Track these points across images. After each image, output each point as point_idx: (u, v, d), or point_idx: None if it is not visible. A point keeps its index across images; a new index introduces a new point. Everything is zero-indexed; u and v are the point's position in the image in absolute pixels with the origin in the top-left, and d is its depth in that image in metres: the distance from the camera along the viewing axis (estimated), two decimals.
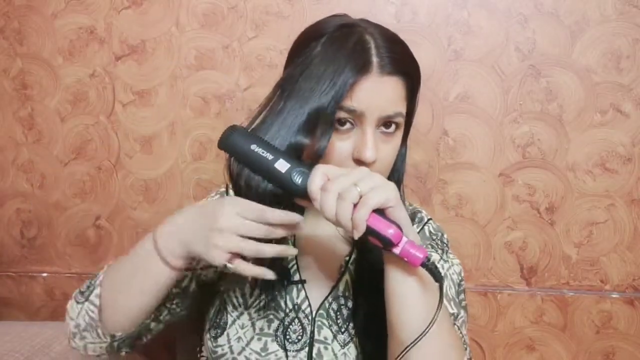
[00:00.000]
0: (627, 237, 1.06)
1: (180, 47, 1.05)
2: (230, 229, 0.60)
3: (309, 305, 0.75)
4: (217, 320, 0.75)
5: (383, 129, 0.69)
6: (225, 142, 0.60)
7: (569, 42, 1.01)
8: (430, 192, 1.07)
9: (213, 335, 0.74)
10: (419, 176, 1.07)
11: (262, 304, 0.75)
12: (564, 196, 1.06)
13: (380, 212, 0.56)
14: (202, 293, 0.80)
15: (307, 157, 0.65)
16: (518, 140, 1.05)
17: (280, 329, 0.73)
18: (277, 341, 0.73)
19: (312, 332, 0.73)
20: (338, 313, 0.74)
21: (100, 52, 1.07)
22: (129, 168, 1.10)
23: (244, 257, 0.63)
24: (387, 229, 0.55)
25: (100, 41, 1.06)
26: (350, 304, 0.74)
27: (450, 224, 1.06)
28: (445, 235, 0.82)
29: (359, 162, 0.67)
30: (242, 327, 0.73)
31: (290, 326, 0.74)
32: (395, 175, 0.78)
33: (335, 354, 0.72)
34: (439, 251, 0.78)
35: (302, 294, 0.75)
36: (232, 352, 0.72)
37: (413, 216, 0.82)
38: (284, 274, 0.75)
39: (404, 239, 0.56)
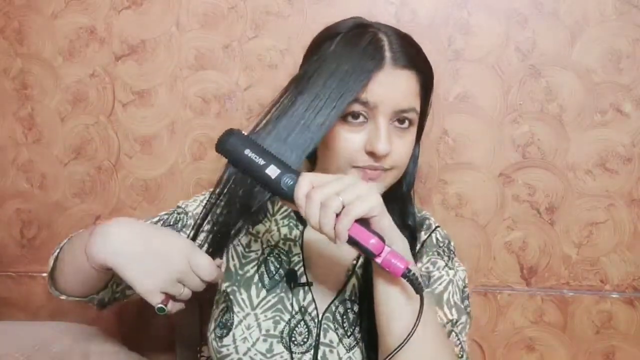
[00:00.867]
0: (627, 237, 1.06)
1: (180, 47, 1.05)
2: (180, 281, 0.61)
3: (315, 308, 0.75)
4: (223, 320, 0.75)
5: (397, 124, 0.69)
6: (221, 146, 0.61)
7: (569, 42, 1.01)
8: (430, 192, 1.07)
9: (218, 335, 0.74)
10: (418, 176, 1.07)
11: (268, 305, 0.75)
12: (564, 196, 1.06)
13: (364, 221, 0.57)
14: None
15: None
16: (518, 140, 1.05)
17: (286, 331, 0.73)
18: (283, 343, 0.73)
19: (318, 335, 0.73)
20: (344, 317, 0.74)
21: (100, 52, 1.07)
22: (129, 168, 1.10)
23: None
24: (368, 239, 0.56)
25: (100, 41, 1.06)
26: (356, 308, 0.74)
27: (450, 224, 1.06)
28: (452, 243, 0.82)
29: (372, 154, 0.67)
30: (248, 328, 0.73)
31: (296, 328, 0.74)
32: (408, 178, 0.79)
33: (340, 358, 0.72)
34: (445, 258, 0.78)
35: (309, 296, 0.75)
36: (237, 353, 0.72)
37: (422, 222, 0.82)
38: (291, 276, 0.76)
39: (386, 249, 0.57)
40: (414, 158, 0.79)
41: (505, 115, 1.04)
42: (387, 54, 0.68)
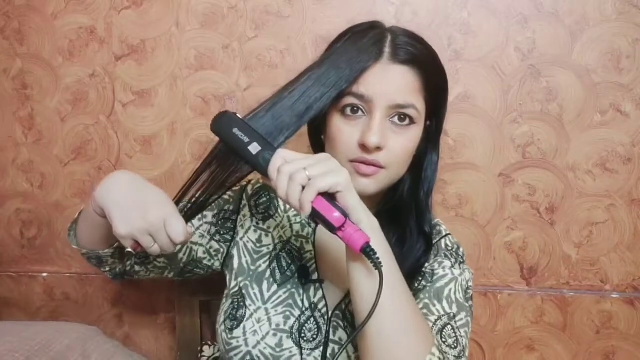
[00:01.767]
0: (627, 237, 1.06)
1: (180, 47, 1.05)
2: (151, 234, 0.62)
3: (326, 305, 0.75)
4: (234, 313, 0.76)
5: (396, 121, 0.70)
6: (214, 125, 0.67)
7: (569, 42, 1.01)
8: None
9: (228, 327, 0.75)
10: None
11: (279, 300, 0.76)
12: (564, 196, 1.06)
13: (330, 196, 0.59)
14: (200, 268, 0.83)
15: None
16: (518, 140, 1.05)
17: (296, 327, 0.74)
18: (292, 338, 0.73)
19: (327, 332, 0.74)
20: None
21: (100, 52, 1.07)
22: (129, 168, 1.10)
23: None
24: (331, 212, 0.58)
25: (100, 41, 1.06)
26: None
27: (450, 224, 1.06)
28: (461, 249, 0.82)
29: (364, 147, 0.68)
30: (259, 322, 0.74)
31: (306, 324, 0.74)
32: (426, 184, 0.79)
33: (349, 356, 0.72)
34: (452, 260, 0.78)
35: (320, 293, 0.76)
36: (247, 345, 0.73)
37: (432, 228, 0.82)
38: (302, 272, 0.76)
39: (348, 223, 0.59)
40: (433, 164, 0.79)
41: (505, 115, 1.04)
42: (387, 49, 0.69)
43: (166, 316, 1.14)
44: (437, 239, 0.81)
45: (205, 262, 0.82)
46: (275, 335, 0.73)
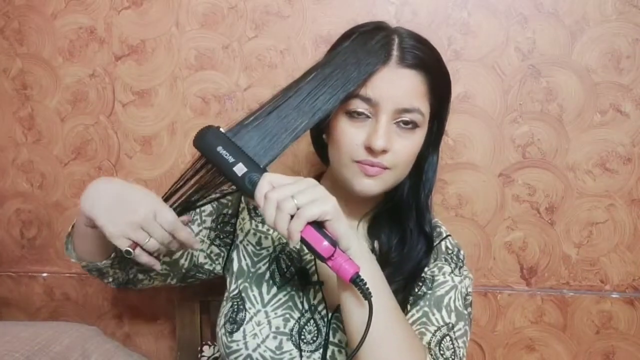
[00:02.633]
0: (627, 237, 1.06)
1: (180, 47, 1.05)
2: (143, 227, 0.62)
3: (325, 307, 0.75)
4: (234, 316, 0.76)
5: (402, 124, 0.70)
6: (197, 141, 0.65)
7: (569, 42, 1.01)
8: None
9: (229, 330, 0.75)
10: None
11: (279, 302, 0.75)
12: (564, 196, 1.06)
13: (319, 224, 0.58)
14: (201, 273, 0.82)
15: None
16: (518, 140, 1.05)
17: (296, 329, 0.74)
18: (292, 341, 0.73)
19: (327, 334, 0.74)
20: None
21: (100, 52, 1.07)
22: (129, 168, 1.10)
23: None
24: (320, 242, 0.58)
25: (100, 41, 1.06)
26: None
27: (450, 224, 1.06)
28: (461, 252, 0.83)
29: (370, 149, 0.68)
30: (259, 325, 0.74)
31: (306, 327, 0.74)
32: (426, 185, 0.79)
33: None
34: (452, 265, 0.79)
35: (319, 295, 0.76)
36: (247, 348, 0.73)
37: (432, 229, 0.82)
38: (302, 274, 0.76)
39: (338, 252, 0.59)
40: (433, 165, 0.79)
41: (505, 115, 1.04)
42: (395, 52, 0.68)
43: (166, 316, 1.14)
44: (438, 241, 0.81)
45: (206, 266, 0.82)
46: (275, 338, 0.73)
